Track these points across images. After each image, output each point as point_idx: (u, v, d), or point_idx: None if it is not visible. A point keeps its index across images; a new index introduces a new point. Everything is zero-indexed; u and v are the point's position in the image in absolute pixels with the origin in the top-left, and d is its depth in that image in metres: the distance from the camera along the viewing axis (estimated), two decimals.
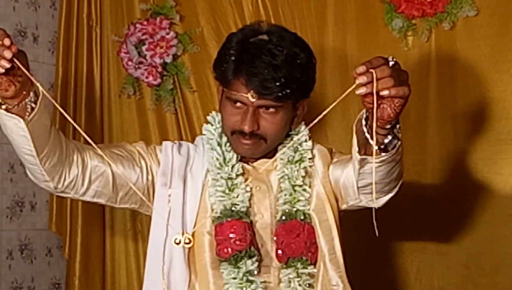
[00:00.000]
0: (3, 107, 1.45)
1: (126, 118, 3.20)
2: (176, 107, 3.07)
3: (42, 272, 3.22)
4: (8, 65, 1.30)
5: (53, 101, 1.49)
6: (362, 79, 1.26)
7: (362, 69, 1.27)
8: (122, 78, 3.16)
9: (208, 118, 1.89)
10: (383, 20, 2.65)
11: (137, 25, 2.97)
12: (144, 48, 2.96)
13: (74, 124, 1.49)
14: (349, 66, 2.74)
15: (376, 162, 1.47)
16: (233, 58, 1.71)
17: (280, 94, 1.65)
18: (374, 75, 1.28)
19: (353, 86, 1.29)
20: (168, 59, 2.95)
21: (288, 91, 1.65)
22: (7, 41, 1.27)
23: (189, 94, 3.05)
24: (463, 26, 2.55)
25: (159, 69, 2.95)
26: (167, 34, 2.96)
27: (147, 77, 2.98)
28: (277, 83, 1.64)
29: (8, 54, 1.27)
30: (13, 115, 1.45)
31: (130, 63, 2.99)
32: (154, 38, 2.97)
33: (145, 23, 2.97)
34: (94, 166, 1.74)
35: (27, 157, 1.58)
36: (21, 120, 1.47)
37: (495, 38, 2.54)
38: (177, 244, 1.72)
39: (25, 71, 1.37)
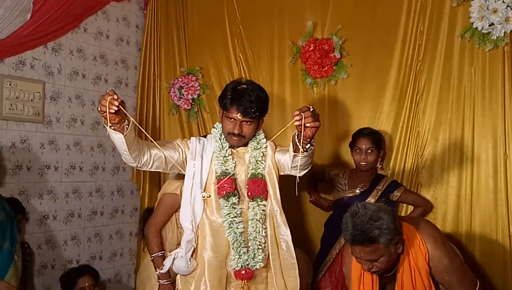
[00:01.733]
0: (112, 127, 2.06)
1: (172, 126, 4.17)
2: (198, 120, 4.05)
3: (128, 202, 4.18)
4: (115, 109, 1.93)
5: (137, 124, 2.20)
6: (297, 118, 1.94)
7: (297, 112, 1.95)
8: (170, 105, 4.15)
9: (214, 125, 2.54)
10: (302, 79, 3.60)
11: (179, 79, 4.02)
12: (182, 90, 3.99)
13: (146, 134, 2.28)
14: (285, 103, 3.69)
15: (301, 157, 2.15)
16: (229, 96, 2.31)
17: (253, 115, 2.30)
18: (303, 116, 1.94)
19: (293, 121, 1.98)
20: (194, 96, 3.99)
21: (257, 113, 2.31)
22: (115, 96, 1.91)
23: (204, 114, 4.04)
24: (341, 83, 3.47)
25: (190, 101, 4.02)
26: (194, 84, 3.97)
27: (183, 105, 4.04)
28: (252, 110, 2.29)
29: (116, 103, 1.91)
30: (117, 132, 2.07)
31: (175, 98, 4.05)
32: (187, 85, 3.98)
33: (183, 78, 4.00)
34: (155, 153, 2.32)
35: (123, 152, 2.19)
36: (121, 135, 2.08)
37: (357, 90, 3.44)
38: (203, 197, 2.35)
39: (124, 111, 2.00)
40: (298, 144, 2.11)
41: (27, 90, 3.36)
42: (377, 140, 3.11)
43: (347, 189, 3.17)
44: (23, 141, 3.38)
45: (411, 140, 3.29)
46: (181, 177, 2.62)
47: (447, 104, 3.17)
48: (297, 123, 1.97)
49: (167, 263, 2.50)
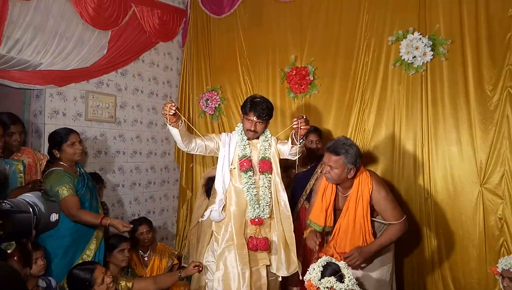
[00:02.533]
0: (171, 125, 2.21)
1: (201, 125, 4.15)
2: (218, 121, 4.06)
3: (172, 176, 4.19)
4: (173, 112, 2.12)
5: (187, 122, 2.34)
6: (296, 122, 2.13)
7: (295, 119, 2.14)
8: (199, 111, 4.15)
9: (238, 125, 2.56)
10: (287, 94, 3.61)
11: (206, 93, 4.05)
12: (208, 101, 4.02)
13: (193, 127, 2.53)
14: (277, 110, 3.52)
15: (297, 147, 2.30)
16: (249, 105, 2.40)
17: (264, 118, 2.40)
18: (299, 121, 2.13)
19: (292, 124, 2.14)
20: (216, 105, 4.01)
21: (266, 117, 2.41)
22: (173, 104, 2.13)
23: (223, 117, 4.03)
24: (314, 97, 3.50)
25: (213, 108, 4.02)
26: (216, 97, 4.00)
27: (208, 111, 4.05)
28: (263, 114, 2.39)
29: (173, 108, 2.10)
30: (174, 128, 2.24)
31: (203, 106, 4.06)
32: (211, 98, 4.01)
33: (208, 93, 4.03)
34: (199, 143, 2.44)
35: (178, 141, 2.34)
36: (177, 130, 2.25)
37: (324, 101, 3.43)
38: (230, 169, 2.43)
39: (179, 113, 2.20)
40: (295, 139, 2.24)
41: (104, 101, 3.42)
42: (319, 134, 3.16)
43: (302, 166, 3.15)
44: (101, 135, 3.45)
45: (359, 136, 3.31)
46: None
47: (383, 112, 3.20)
48: (295, 125, 2.15)
49: (206, 214, 2.50)
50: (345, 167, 2.25)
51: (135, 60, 3.70)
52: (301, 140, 2.25)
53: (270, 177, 2.45)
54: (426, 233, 2.99)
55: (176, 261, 3.23)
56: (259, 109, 2.37)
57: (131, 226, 2.37)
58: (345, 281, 1.87)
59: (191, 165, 4.18)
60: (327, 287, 1.85)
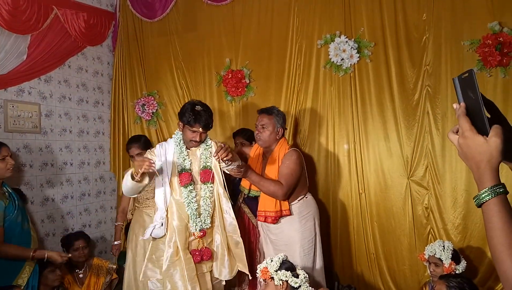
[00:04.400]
0: (135, 180, 2.03)
1: (137, 131, 3.86)
2: (156, 126, 3.90)
3: (108, 186, 3.95)
4: (152, 170, 2.02)
5: (157, 173, 2.22)
6: (216, 156, 2.06)
7: (214, 153, 2.06)
8: (135, 117, 3.95)
9: (175, 132, 2.42)
10: (224, 97, 3.58)
11: (141, 99, 3.88)
12: (145, 106, 3.84)
13: (156, 172, 2.20)
14: (215, 113, 3.00)
15: (224, 167, 2.30)
16: (193, 117, 2.22)
17: (207, 127, 2.29)
18: (219, 154, 2.06)
19: (215, 159, 2.13)
20: (153, 110, 3.86)
21: (209, 126, 2.30)
22: (148, 163, 1.95)
23: (161, 122, 3.87)
24: (251, 99, 3.50)
25: (150, 114, 3.87)
26: (153, 102, 3.85)
27: (145, 117, 3.88)
28: (209, 125, 2.29)
29: (149, 165, 1.95)
30: (133, 182, 2.06)
31: (139, 112, 3.88)
32: (148, 103, 3.84)
33: (144, 98, 3.87)
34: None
35: (130, 193, 2.22)
36: (138, 183, 2.09)
37: (260, 103, 3.27)
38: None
39: (155, 171, 2.11)
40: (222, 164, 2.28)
41: (26, 110, 3.15)
42: (247, 135, 3.13)
43: None
44: (25, 146, 3.17)
45: (297, 137, 3.36)
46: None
47: (317, 110, 3.28)
48: (216, 160, 2.19)
49: (147, 232, 2.35)
50: (275, 126, 2.50)
51: (60, 65, 3.45)
52: (230, 164, 2.24)
53: (212, 187, 2.37)
54: (362, 226, 3.13)
55: (115, 276, 3.08)
56: (204, 120, 2.26)
57: (69, 255, 2.21)
58: (299, 278, 1.92)
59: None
60: (281, 279, 1.90)
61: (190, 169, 2.33)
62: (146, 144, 2.93)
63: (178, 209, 2.29)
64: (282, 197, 2.40)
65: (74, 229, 3.50)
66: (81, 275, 3.03)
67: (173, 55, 3.84)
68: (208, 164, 2.38)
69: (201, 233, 2.30)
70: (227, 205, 2.41)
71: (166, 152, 2.36)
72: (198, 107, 2.28)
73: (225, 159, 2.09)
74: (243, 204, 2.94)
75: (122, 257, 3.37)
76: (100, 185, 3.91)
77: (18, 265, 2.29)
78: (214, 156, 2.09)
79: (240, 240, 2.42)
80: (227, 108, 3.67)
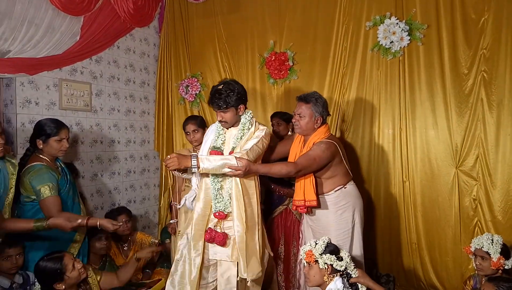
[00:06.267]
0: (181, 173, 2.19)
1: (181, 112, 4.04)
2: (199, 108, 3.98)
3: (152, 164, 4.10)
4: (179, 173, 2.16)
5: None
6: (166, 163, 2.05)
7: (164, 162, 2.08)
8: (179, 98, 4.05)
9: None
10: (267, 79, 3.58)
11: (185, 80, 3.97)
12: (188, 88, 3.94)
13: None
14: (257, 95, 3.62)
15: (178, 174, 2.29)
16: (210, 97, 2.25)
17: (223, 107, 2.21)
18: (164, 164, 2.08)
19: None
20: (197, 92, 3.94)
21: (225, 106, 2.20)
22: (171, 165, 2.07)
23: (203, 103, 3.93)
24: (293, 82, 3.48)
25: (193, 95, 3.95)
26: (196, 83, 3.93)
27: (188, 98, 3.98)
28: (221, 104, 2.20)
29: (175, 168, 2.07)
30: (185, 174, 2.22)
31: (182, 93, 3.99)
32: (191, 85, 3.94)
33: (188, 79, 3.96)
34: None
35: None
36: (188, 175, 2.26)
37: (304, 87, 3.36)
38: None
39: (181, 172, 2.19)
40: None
41: (79, 89, 3.31)
42: (288, 116, 3.06)
43: None
44: (77, 124, 3.34)
45: (339, 120, 3.31)
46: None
47: (363, 95, 3.20)
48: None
49: (181, 202, 2.49)
50: (313, 115, 2.38)
51: (110, 46, 3.57)
52: (183, 174, 2.23)
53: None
54: (405, 215, 3.07)
55: (157, 249, 3.20)
56: (215, 100, 2.21)
57: (121, 223, 2.27)
58: (343, 261, 1.91)
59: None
60: (325, 263, 1.89)
61: (220, 148, 2.29)
62: (202, 122, 2.97)
63: (205, 187, 2.29)
64: (296, 174, 2.32)
65: (121, 204, 3.66)
66: (125, 248, 3.19)
67: (217, 36, 3.87)
68: (218, 145, 2.31)
69: (218, 214, 2.23)
70: (251, 192, 2.27)
71: (210, 131, 2.42)
72: (217, 87, 2.24)
73: (170, 169, 2.07)
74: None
75: (164, 232, 3.52)
76: (145, 163, 4.05)
77: (70, 234, 2.38)
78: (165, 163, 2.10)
79: (243, 243, 2.21)
80: (269, 91, 3.66)
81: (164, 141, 4.06)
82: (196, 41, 3.99)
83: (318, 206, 2.41)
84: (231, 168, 2.10)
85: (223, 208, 2.25)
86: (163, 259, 3.26)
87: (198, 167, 2.08)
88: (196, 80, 3.98)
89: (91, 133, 3.46)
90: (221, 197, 2.26)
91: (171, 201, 3.36)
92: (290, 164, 2.32)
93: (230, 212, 2.25)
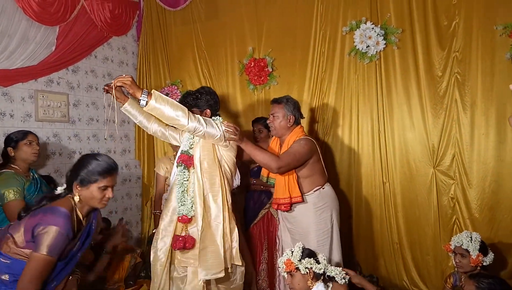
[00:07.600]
0: (117, 100, 2.10)
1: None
2: None
3: (133, 174, 4.07)
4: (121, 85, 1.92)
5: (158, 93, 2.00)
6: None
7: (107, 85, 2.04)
8: None
9: None
10: (247, 85, 3.59)
11: (165, 88, 3.94)
12: (169, 95, 3.77)
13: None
14: (237, 102, 3.62)
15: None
16: (181, 96, 2.33)
17: (188, 108, 2.13)
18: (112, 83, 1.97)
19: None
20: (177, 100, 3.13)
21: (187, 106, 2.15)
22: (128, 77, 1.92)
23: None
24: (273, 88, 3.49)
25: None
26: (176, 91, 3.90)
27: None
28: (187, 105, 2.16)
29: (127, 80, 1.89)
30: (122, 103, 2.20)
31: None
32: (172, 92, 3.89)
33: (168, 87, 3.93)
34: (159, 130, 2.41)
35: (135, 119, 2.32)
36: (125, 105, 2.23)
37: (283, 92, 3.18)
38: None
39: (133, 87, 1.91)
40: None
41: (55, 100, 3.26)
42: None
43: None
44: (55, 135, 3.29)
45: (319, 126, 3.34)
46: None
47: (341, 100, 3.25)
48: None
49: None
50: (285, 114, 2.48)
51: (87, 56, 3.54)
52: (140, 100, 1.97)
53: (192, 172, 2.25)
54: (386, 216, 3.11)
55: (139, 260, 3.16)
56: (183, 100, 2.28)
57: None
58: (320, 262, 1.93)
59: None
60: (306, 267, 1.90)
61: (188, 152, 2.27)
62: None
63: (173, 193, 2.28)
64: (275, 170, 2.33)
65: (102, 215, 3.59)
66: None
67: (196, 44, 3.86)
68: (186, 149, 2.29)
69: (181, 218, 2.19)
70: (216, 193, 2.21)
71: (184, 136, 2.40)
72: (190, 91, 2.34)
73: (117, 84, 1.93)
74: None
75: (149, 241, 3.47)
76: (126, 173, 4.00)
77: None
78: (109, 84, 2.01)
79: (217, 243, 2.18)
80: (250, 97, 3.66)
81: (145, 150, 4.03)
82: (175, 49, 3.98)
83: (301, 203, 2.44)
84: (229, 132, 2.19)
85: (187, 212, 2.21)
86: (145, 268, 3.21)
87: (147, 103, 1.93)
88: (176, 87, 3.96)
89: (69, 144, 3.41)
90: (185, 200, 2.22)
91: (153, 210, 3.34)
92: (273, 157, 2.34)
93: (193, 216, 2.21)
